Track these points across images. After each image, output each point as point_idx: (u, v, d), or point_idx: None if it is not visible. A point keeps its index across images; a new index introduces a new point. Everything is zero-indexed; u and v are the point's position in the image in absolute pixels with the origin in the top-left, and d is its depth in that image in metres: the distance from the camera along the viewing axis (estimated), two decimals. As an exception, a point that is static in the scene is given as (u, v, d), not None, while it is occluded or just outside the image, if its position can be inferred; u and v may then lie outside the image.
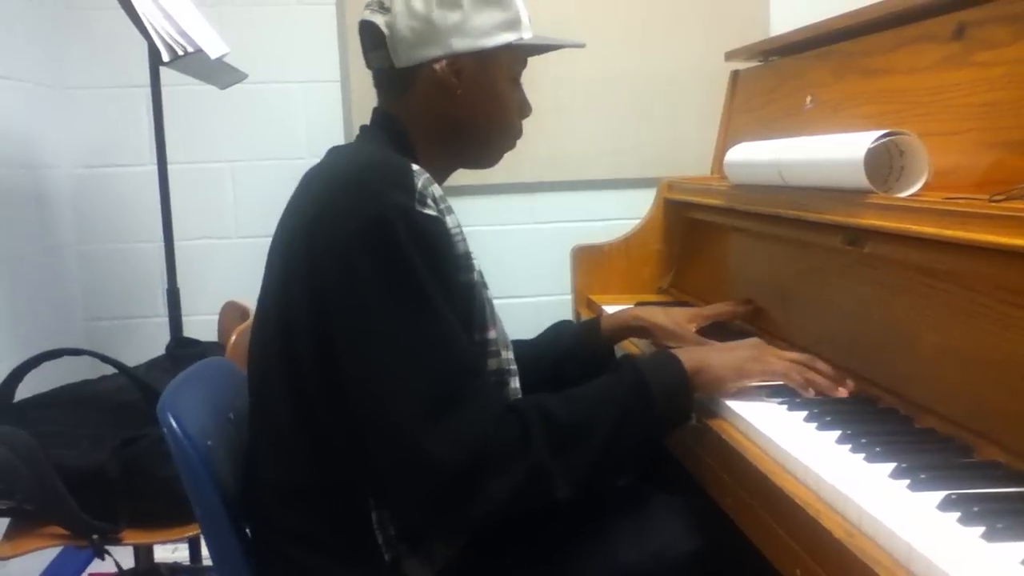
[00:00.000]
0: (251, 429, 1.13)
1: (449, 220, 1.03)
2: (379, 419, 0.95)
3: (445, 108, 1.16)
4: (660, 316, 1.44)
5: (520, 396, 1.13)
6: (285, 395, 1.04)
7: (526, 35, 1.18)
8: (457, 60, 1.14)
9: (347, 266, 0.96)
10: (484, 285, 1.09)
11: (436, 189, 1.03)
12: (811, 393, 1.11)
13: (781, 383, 1.14)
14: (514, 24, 1.17)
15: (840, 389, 1.12)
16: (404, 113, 1.17)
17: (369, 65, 1.20)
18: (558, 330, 1.47)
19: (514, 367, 1.13)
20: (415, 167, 1.02)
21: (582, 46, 1.27)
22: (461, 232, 1.05)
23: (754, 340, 1.20)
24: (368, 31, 1.16)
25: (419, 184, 1.00)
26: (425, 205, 0.99)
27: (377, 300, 0.95)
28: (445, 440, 0.92)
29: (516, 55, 1.20)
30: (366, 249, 0.96)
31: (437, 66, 1.13)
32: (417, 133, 1.17)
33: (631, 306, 1.64)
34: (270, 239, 1.12)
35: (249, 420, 1.13)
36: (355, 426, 0.98)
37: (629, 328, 1.46)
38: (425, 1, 1.12)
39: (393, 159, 1.05)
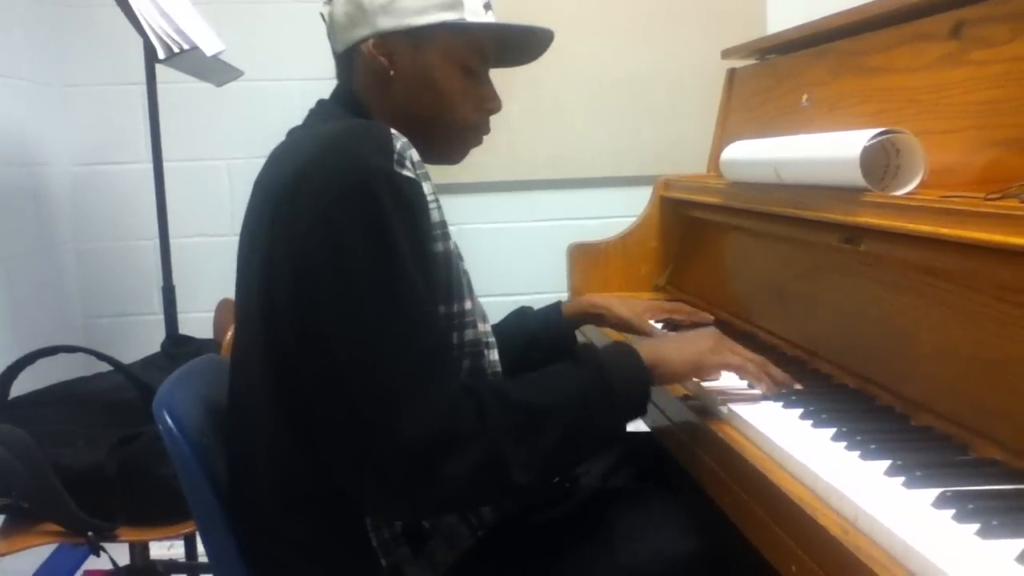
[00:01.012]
0: (236, 430, 1.11)
1: (425, 186, 1.01)
2: (345, 389, 0.94)
3: (384, 93, 1.13)
4: (617, 305, 1.49)
5: (499, 368, 1.13)
6: (270, 392, 1.02)
7: (473, 18, 1.12)
8: (387, 41, 1.11)
9: (329, 231, 0.94)
10: (460, 256, 1.08)
11: (414, 153, 1.00)
12: (764, 387, 1.12)
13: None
14: (452, 5, 1.10)
15: (796, 385, 1.15)
16: (362, 95, 1.15)
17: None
18: (521, 315, 1.49)
19: (492, 339, 1.13)
20: (392, 130, 1.00)
21: (547, 31, 1.19)
22: (437, 200, 1.03)
23: (711, 330, 1.17)
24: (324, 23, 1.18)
25: (398, 146, 0.98)
26: (404, 167, 0.97)
27: (359, 265, 0.93)
28: (409, 419, 0.91)
29: (463, 40, 1.13)
30: (348, 215, 0.94)
31: (363, 47, 1.11)
32: (377, 117, 1.14)
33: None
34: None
35: (232, 422, 1.12)
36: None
37: (587, 315, 1.50)
38: None
39: (370, 123, 1.04)
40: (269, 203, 1.01)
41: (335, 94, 1.19)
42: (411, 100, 1.13)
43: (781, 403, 1.10)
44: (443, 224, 1.03)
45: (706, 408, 1.14)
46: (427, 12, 1.10)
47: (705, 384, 1.16)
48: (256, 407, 1.05)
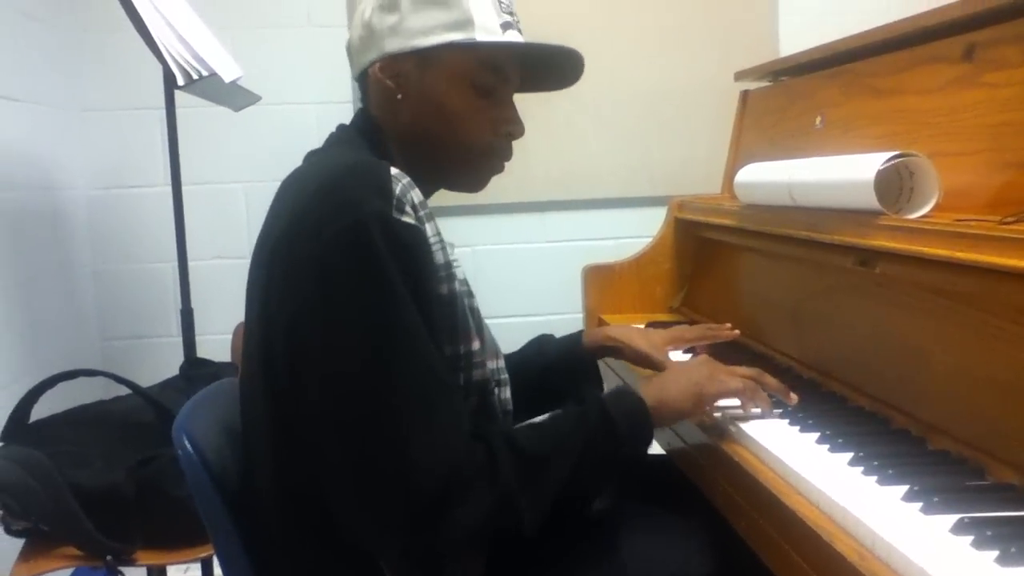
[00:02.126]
0: (247, 459, 1.11)
1: (428, 228, 0.99)
2: (344, 438, 0.93)
3: (395, 117, 1.12)
4: (636, 338, 1.42)
5: (510, 406, 1.12)
6: (271, 426, 1.02)
7: (485, 38, 1.09)
8: (394, 63, 1.10)
9: (322, 274, 0.93)
10: (469, 294, 1.06)
11: (416, 194, 0.99)
12: (762, 407, 1.14)
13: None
14: (462, 25, 1.08)
15: (791, 396, 1.16)
16: (380, 120, 1.15)
17: None
18: (541, 343, 1.46)
19: (505, 376, 1.12)
20: (394, 171, 0.98)
21: (572, 51, 1.15)
22: (441, 240, 1.00)
23: (702, 358, 1.20)
24: None
25: (397, 190, 0.96)
26: (403, 212, 0.95)
27: (349, 312, 0.92)
28: (415, 463, 0.89)
29: (475, 60, 1.10)
30: (342, 256, 0.92)
31: (370, 69, 1.11)
32: (392, 143, 1.14)
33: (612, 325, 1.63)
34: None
35: (244, 450, 1.12)
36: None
37: (605, 347, 1.44)
38: (371, 8, 1.12)
39: (372, 163, 1.00)
40: (270, 239, 1.01)
41: (354, 119, 1.18)
42: (421, 122, 1.11)
43: (798, 427, 1.10)
44: (447, 265, 1.01)
45: (716, 426, 1.16)
46: (434, 32, 1.08)
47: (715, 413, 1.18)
48: (261, 438, 1.05)
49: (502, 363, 1.12)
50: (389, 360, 0.92)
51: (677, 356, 1.50)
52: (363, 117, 1.16)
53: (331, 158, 1.08)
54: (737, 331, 1.48)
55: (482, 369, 1.05)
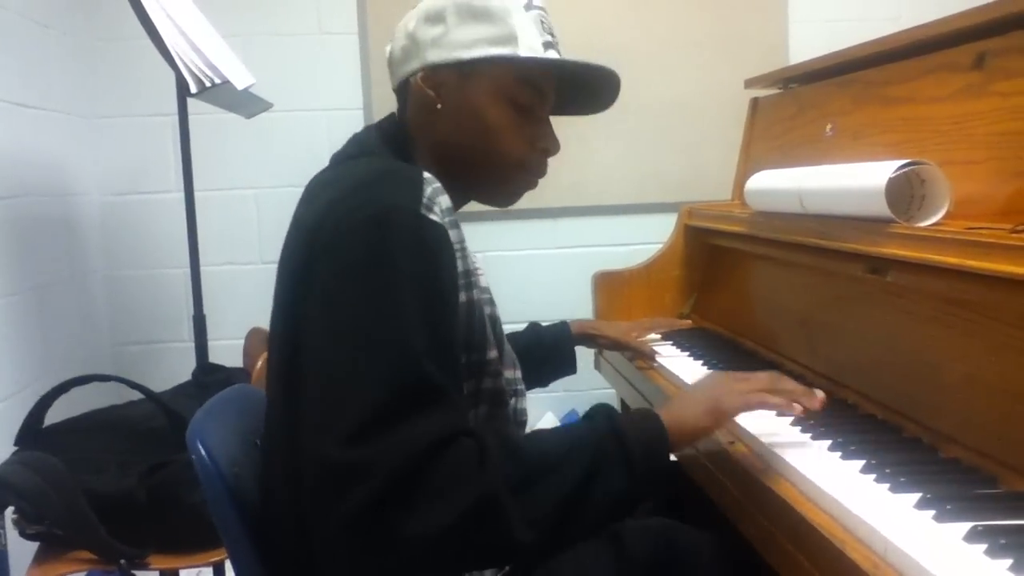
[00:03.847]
0: (265, 459, 1.10)
1: (452, 234, 0.99)
2: (309, 417, 0.88)
3: (432, 127, 1.13)
4: (606, 327, 1.68)
5: (526, 417, 1.12)
6: (287, 426, 1.00)
7: (527, 54, 1.10)
8: (436, 73, 1.10)
9: (335, 263, 0.92)
10: (491, 303, 1.06)
11: (445, 200, 0.99)
12: (798, 409, 1.05)
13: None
14: (505, 40, 1.09)
15: (816, 393, 1.07)
16: (414, 131, 1.16)
17: None
18: (536, 331, 1.60)
19: (522, 387, 1.12)
20: (426, 175, 0.99)
21: (610, 72, 1.17)
22: (463, 248, 1.01)
23: (717, 374, 1.11)
24: None
25: (428, 191, 0.97)
26: (431, 211, 0.96)
27: (351, 292, 0.90)
28: (375, 451, 0.82)
29: (515, 75, 1.11)
30: (356, 247, 0.91)
31: (412, 79, 1.12)
32: (424, 152, 1.14)
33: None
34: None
35: (264, 453, 1.11)
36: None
37: (583, 335, 1.64)
38: (416, 20, 1.13)
39: (404, 167, 1.03)
40: (301, 243, 1.00)
41: (382, 123, 1.19)
42: (458, 133, 1.12)
43: (810, 434, 1.10)
44: (467, 273, 1.01)
45: (726, 432, 1.14)
46: (477, 46, 1.09)
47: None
48: (279, 439, 1.05)
49: (519, 373, 1.12)
50: (375, 345, 0.88)
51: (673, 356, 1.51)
52: (394, 124, 1.17)
53: (357, 166, 1.08)
54: (688, 321, 1.82)
55: (497, 378, 1.05)
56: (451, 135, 1.12)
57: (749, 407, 1.05)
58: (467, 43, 1.09)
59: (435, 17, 1.11)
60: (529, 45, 1.10)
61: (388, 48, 1.19)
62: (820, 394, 1.07)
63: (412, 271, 0.90)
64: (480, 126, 1.11)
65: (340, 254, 0.92)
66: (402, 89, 1.16)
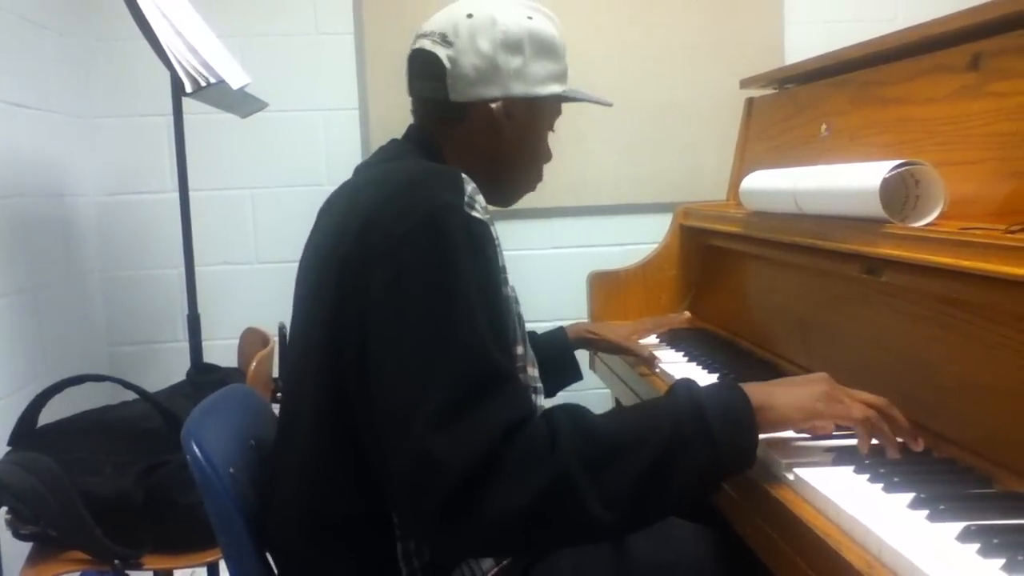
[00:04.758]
0: (276, 457, 1.12)
1: (492, 230, 1.03)
2: (393, 412, 0.91)
3: (489, 144, 1.20)
4: (606, 330, 1.65)
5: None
6: (320, 421, 1.02)
7: (569, 87, 1.25)
8: (512, 103, 1.19)
9: (396, 263, 0.95)
10: (516, 300, 1.09)
11: (481, 197, 1.04)
12: (895, 454, 0.99)
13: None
14: (563, 76, 1.23)
15: (919, 441, 1.02)
16: (445, 140, 1.20)
17: (413, 92, 1.23)
18: (533, 341, 1.52)
19: (540, 385, 1.13)
20: (463, 174, 1.04)
21: (609, 104, 1.35)
22: (499, 245, 1.05)
23: (821, 375, 1.05)
24: (424, 61, 1.18)
25: (468, 189, 1.01)
26: (474, 209, 1.00)
27: (418, 291, 0.94)
28: (457, 440, 0.86)
29: (558, 108, 1.27)
30: (417, 245, 0.95)
31: (494, 105, 1.18)
32: (451, 159, 1.20)
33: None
34: (290, 265, 1.12)
35: (275, 447, 1.13)
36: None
37: (581, 339, 1.64)
38: (492, 43, 1.15)
39: (442, 167, 1.09)
40: (348, 244, 1.01)
41: (409, 134, 1.24)
42: (512, 153, 1.23)
43: (804, 435, 1.10)
44: (504, 269, 1.05)
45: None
46: (548, 83, 1.21)
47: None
48: (300, 432, 1.06)
49: (537, 372, 1.14)
50: (445, 343, 0.92)
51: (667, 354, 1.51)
52: (421, 133, 1.23)
53: (398, 165, 1.12)
54: (687, 314, 1.80)
55: (523, 375, 1.07)
56: (504, 155, 1.23)
57: (848, 420, 1.00)
58: (542, 79, 1.21)
59: (515, 47, 1.17)
60: (570, 78, 1.25)
61: (444, 56, 1.16)
62: (921, 444, 1.02)
63: (471, 267, 0.96)
64: (529, 151, 1.26)
65: (402, 255, 0.96)
66: (462, 106, 1.18)
